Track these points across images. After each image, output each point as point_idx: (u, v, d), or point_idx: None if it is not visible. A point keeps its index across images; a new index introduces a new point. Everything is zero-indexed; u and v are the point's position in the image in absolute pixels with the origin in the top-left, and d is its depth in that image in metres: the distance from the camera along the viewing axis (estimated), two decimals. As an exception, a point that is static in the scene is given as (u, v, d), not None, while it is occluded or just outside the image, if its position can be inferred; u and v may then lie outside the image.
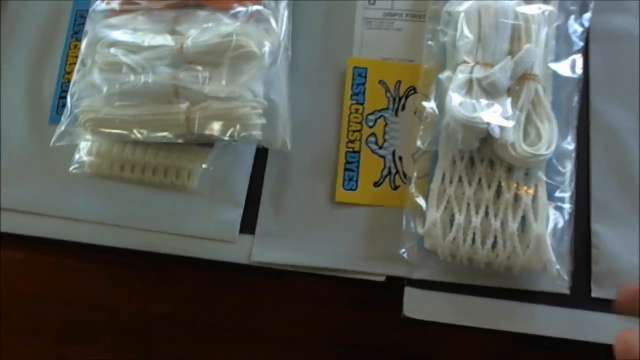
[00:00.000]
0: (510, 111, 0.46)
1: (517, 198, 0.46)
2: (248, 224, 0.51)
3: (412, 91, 0.53)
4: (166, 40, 0.49)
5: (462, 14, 0.49)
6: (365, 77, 0.53)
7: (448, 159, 0.48)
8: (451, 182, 0.47)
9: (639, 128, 0.52)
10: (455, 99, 0.46)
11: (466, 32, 0.49)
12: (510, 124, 0.45)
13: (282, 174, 0.52)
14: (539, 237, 0.45)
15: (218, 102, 0.47)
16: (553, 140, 0.46)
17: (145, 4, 0.51)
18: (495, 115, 0.46)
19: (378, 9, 0.56)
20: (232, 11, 0.50)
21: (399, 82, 0.53)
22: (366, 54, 0.55)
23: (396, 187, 0.51)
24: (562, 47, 0.51)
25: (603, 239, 0.48)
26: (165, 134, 0.47)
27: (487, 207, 0.46)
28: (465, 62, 0.48)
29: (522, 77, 0.48)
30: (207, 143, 0.50)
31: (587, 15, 0.53)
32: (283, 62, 0.50)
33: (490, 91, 0.47)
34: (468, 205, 0.47)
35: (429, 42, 0.53)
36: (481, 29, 0.48)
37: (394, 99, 0.53)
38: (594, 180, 0.50)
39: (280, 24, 0.51)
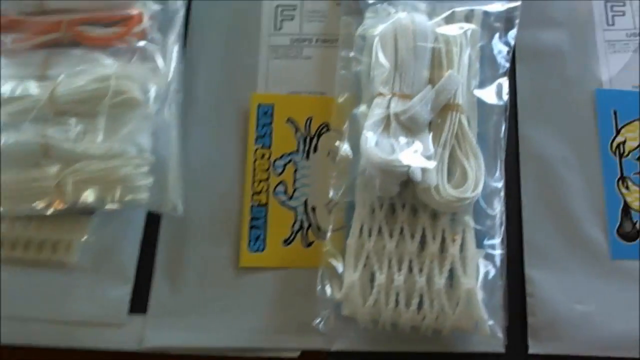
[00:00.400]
0: (432, 149, 0.41)
1: (443, 249, 0.42)
2: (139, 302, 0.44)
3: (325, 129, 0.47)
4: (32, 88, 0.41)
5: (377, 39, 0.44)
6: (271, 115, 0.47)
7: (366, 208, 0.43)
8: (370, 234, 0.42)
9: (571, 155, 0.47)
10: (371, 139, 0.40)
11: (381, 59, 0.43)
12: (432, 164, 0.41)
13: (178, 239, 0.45)
14: (469, 292, 0.40)
15: (95, 162, 0.40)
16: (480, 179, 0.42)
17: (9, 42, 0.44)
18: (416, 155, 0.41)
19: (285, 35, 0.50)
20: (112, 49, 0.43)
21: (310, 119, 0.47)
22: (273, 88, 0.49)
23: (309, 244, 0.45)
24: (486, 70, 0.47)
25: (538, 285, 0.44)
26: (32, 205, 0.40)
27: (410, 261, 0.42)
28: (381, 94, 0.42)
29: (444, 108, 0.42)
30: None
31: (513, 33, 0.48)
32: (173, 107, 0.44)
33: (410, 127, 0.42)
34: (390, 261, 0.42)
35: (342, 72, 0.47)
36: (398, 55, 0.43)
37: (305, 140, 0.47)
38: (526, 219, 0.46)
39: (169, 61, 0.44)
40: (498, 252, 0.43)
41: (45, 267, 0.43)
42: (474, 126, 0.44)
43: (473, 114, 0.44)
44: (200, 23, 0.50)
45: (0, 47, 0.44)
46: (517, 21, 0.48)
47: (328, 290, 0.42)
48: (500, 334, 0.41)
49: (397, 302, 0.40)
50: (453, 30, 0.44)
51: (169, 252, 0.45)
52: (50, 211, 0.40)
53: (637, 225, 0.45)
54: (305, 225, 0.45)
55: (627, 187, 0.46)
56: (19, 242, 0.43)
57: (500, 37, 0.47)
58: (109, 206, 0.40)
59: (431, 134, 0.42)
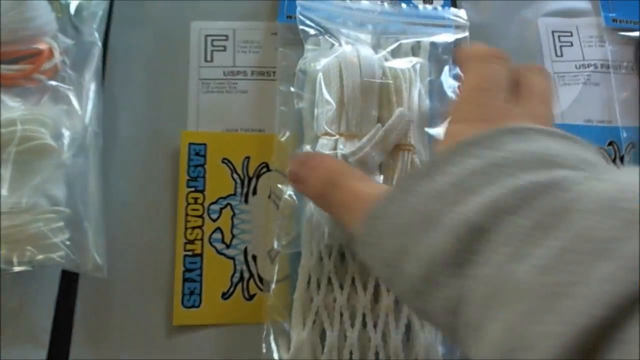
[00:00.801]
0: None
1: (398, 300, 0.38)
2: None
3: (265, 169, 0.43)
4: None
5: (320, 74, 0.40)
6: (204, 155, 0.42)
7: (313, 257, 0.39)
8: (319, 287, 0.38)
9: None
10: None
11: (326, 96, 0.40)
12: None
13: (101, 296, 0.40)
14: (428, 347, 0.38)
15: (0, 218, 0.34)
16: None
17: None
18: None
19: (217, 67, 0.46)
20: (18, 89, 0.38)
21: (248, 158, 0.43)
22: (206, 125, 0.44)
23: (251, 297, 0.41)
24: (437, 106, 0.44)
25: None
26: None
27: (364, 315, 0.38)
28: (327, 134, 0.39)
29: (395, 148, 0.40)
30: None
31: None
32: (92, 152, 0.38)
33: (360, 169, 0.38)
34: (341, 315, 0.38)
35: (282, 108, 0.43)
36: (344, 92, 0.39)
37: (243, 181, 0.42)
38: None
39: (86, 100, 0.39)
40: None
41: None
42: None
43: (425, 153, 0.41)
44: (120, 54, 0.45)
45: None
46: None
47: (274, 350, 0.38)
48: None
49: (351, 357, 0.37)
50: (401, 64, 0.42)
51: (90, 310, 0.39)
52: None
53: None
54: (246, 276, 0.41)
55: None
56: None
57: (449, 70, 0.44)
58: (18, 268, 0.34)
59: (382, 176, 0.39)
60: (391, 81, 0.40)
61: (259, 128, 0.45)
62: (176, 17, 0.47)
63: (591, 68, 0.49)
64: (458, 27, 0.45)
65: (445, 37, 0.44)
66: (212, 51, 0.46)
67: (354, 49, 0.41)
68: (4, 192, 0.35)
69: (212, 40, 0.46)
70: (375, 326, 0.38)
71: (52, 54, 0.39)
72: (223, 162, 0.42)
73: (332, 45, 0.43)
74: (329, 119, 0.39)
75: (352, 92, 0.39)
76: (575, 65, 0.49)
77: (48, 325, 0.39)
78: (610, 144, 0.47)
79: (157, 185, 0.42)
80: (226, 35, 0.47)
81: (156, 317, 0.40)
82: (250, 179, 0.42)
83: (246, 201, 0.42)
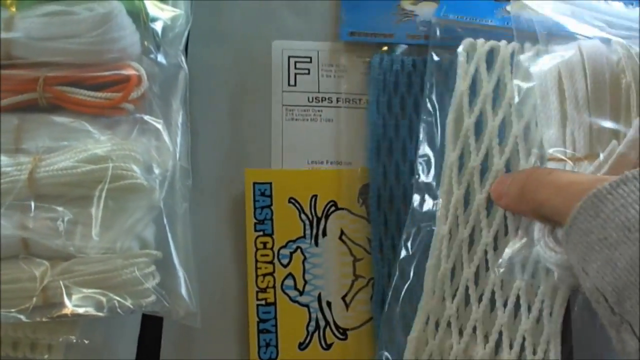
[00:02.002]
0: None
1: (521, 358, 0.35)
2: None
3: (333, 207, 0.41)
4: (6, 165, 0.33)
5: (536, 86, 0.35)
6: (270, 195, 0.40)
7: (435, 297, 0.36)
8: (437, 328, 0.36)
9: None
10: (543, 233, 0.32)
11: (544, 111, 0.35)
12: None
13: (185, 337, 0.38)
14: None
15: (90, 261, 0.32)
16: None
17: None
18: None
19: (301, 92, 0.43)
20: (104, 118, 0.35)
21: (315, 196, 0.41)
22: (290, 157, 0.42)
23: (329, 346, 0.39)
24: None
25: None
26: (10, 311, 0.32)
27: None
28: (552, 158, 0.34)
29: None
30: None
31: None
32: (180, 192, 0.36)
33: None
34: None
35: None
36: (567, 104, 0.34)
37: (312, 222, 0.40)
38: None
39: (175, 133, 0.37)
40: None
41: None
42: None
43: None
44: (199, 76, 0.42)
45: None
46: None
47: None
48: None
49: None
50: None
51: (175, 353, 0.38)
52: (32, 319, 0.32)
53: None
54: (322, 324, 0.39)
55: None
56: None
57: None
58: (108, 314, 0.32)
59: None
60: (631, 79, 0.33)
61: (348, 161, 0.42)
62: (257, 35, 0.44)
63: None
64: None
65: None
66: (295, 74, 0.43)
67: (577, 46, 0.34)
68: (95, 235, 0.32)
69: (296, 62, 0.44)
70: None
71: (141, 81, 0.36)
72: (290, 201, 0.40)
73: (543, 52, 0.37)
74: (552, 141, 0.34)
75: (580, 104, 0.33)
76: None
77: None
78: None
79: (231, 227, 0.40)
80: (310, 57, 0.44)
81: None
82: (319, 219, 0.40)
83: (316, 244, 0.40)
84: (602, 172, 0.32)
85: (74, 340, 0.36)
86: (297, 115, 0.43)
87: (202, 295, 0.37)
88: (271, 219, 0.40)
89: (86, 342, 0.36)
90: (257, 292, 0.39)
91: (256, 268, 0.39)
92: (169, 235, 0.35)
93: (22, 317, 0.32)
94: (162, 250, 0.35)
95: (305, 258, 0.40)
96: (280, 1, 0.45)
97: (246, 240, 0.39)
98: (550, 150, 0.34)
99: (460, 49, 0.39)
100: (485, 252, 0.36)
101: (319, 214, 0.41)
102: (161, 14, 0.39)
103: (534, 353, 0.35)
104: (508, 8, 0.42)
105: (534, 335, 0.35)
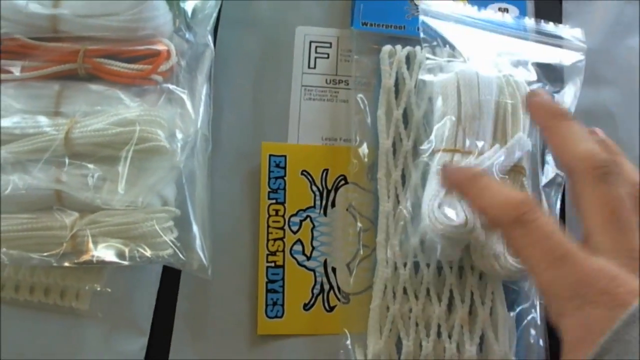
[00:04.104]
0: None
1: (472, 311, 0.39)
2: (156, 358, 0.40)
3: (343, 181, 0.43)
4: (44, 126, 0.37)
5: (438, 89, 0.40)
6: (284, 167, 0.43)
7: (389, 267, 0.40)
8: (394, 296, 0.39)
9: None
10: (434, 203, 0.37)
11: (443, 111, 0.40)
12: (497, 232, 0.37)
13: (199, 295, 0.41)
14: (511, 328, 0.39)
15: (115, 214, 0.36)
16: None
17: (18, 71, 0.39)
18: (480, 217, 0.37)
19: (319, 74, 0.46)
20: (135, 88, 0.39)
21: (327, 170, 0.44)
22: (306, 133, 0.45)
23: (331, 308, 0.42)
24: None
25: None
26: (42, 255, 0.35)
27: (439, 326, 0.39)
28: (445, 149, 0.39)
29: (508, 171, 0.39)
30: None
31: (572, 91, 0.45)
32: (200, 157, 0.39)
33: None
34: (417, 325, 0.39)
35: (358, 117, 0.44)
36: (461, 109, 0.39)
37: (322, 194, 0.43)
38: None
39: (199, 104, 0.40)
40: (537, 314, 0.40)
41: (53, 313, 0.39)
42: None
43: (534, 176, 0.42)
44: (227, 56, 0.46)
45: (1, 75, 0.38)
46: (580, 77, 0.45)
47: (353, 358, 0.39)
48: None
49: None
50: (520, 83, 0.41)
51: (190, 306, 0.41)
52: (62, 263, 0.36)
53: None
54: (326, 288, 0.42)
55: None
56: (23, 285, 0.39)
57: (563, 95, 0.44)
58: (128, 262, 0.35)
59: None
60: (509, 101, 0.40)
61: (360, 139, 0.44)
62: (282, 21, 0.47)
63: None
64: (574, 49, 0.44)
65: (562, 58, 0.44)
66: (315, 58, 0.46)
67: (474, 67, 0.40)
68: (121, 189, 0.35)
69: (316, 47, 0.47)
70: (449, 337, 0.39)
71: (170, 56, 0.39)
72: (302, 174, 0.43)
73: (450, 56, 0.42)
74: (447, 135, 0.39)
75: (470, 110, 0.39)
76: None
77: (150, 315, 0.40)
78: None
79: (247, 194, 0.43)
80: (330, 43, 0.47)
81: (244, 324, 0.41)
82: (329, 192, 0.43)
83: (325, 214, 0.43)
84: (485, 166, 0.37)
85: (99, 289, 0.39)
86: (314, 96, 0.46)
87: (217, 253, 0.40)
88: (284, 189, 0.43)
89: (109, 290, 0.39)
90: (268, 254, 0.42)
91: (268, 233, 0.42)
92: (188, 195, 0.38)
93: (52, 260, 0.36)
94: (181, 208, 0.38)
95: (314, 226, 0.43)
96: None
97: (260, 207, 0.42)
98: (444, 144, 0.39)
99: (381, 54, 0.44)
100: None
101: (329, 187, 0.43)
102: (193, -3, 0.43)
103: (483, 304, 0.39)
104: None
105: (480, 288, 0.39)
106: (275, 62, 0.46)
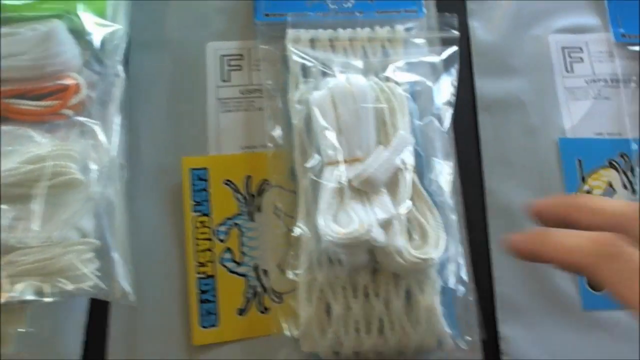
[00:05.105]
0: (392, 210, 0.39)
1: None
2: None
3: (267, 185, 0.45)
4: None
5: (315, 108, 0.42)
6: (206, 179, 0.44)
7: (313, 239, 0.41)
8: (320, 265, 0.40)
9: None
10: (327, 217, 0.39)
11: (324, 126, 0.41)
12: (396, 227, 0.39)
13: (132, 315, 0.42)
14: (428, 309, 0.40)
15: (31, 252, 0.36)
16: (441, 237, 0.40)
17: None
18: (376, 218, 0.39)
19: (234, 86, 0.48)
20: (46, 124, 0.39)
21: (249, 177, 0.45)
22: (226, 145, 0.46)
23: (266, 310, 0.43)
24: (433, 125, 0.45)
25: (512, 343, 0.43)
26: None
27: (365, 287, 0.40)
28: (330, 163, 0.41)
29: (396, 169, 0.41)
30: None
31: (454, 81, 0.47)
32: (118, 185, 0.40)
33: (366, 190, 0.40)
34: (344, 289, 0.40)
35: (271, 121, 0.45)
36: (340, 121, 0.41)
37: (246, 200, 0.44)
38: (497, 275, 0.45)
39: (111, 133, 0.41)
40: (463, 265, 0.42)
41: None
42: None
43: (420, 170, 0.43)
44: (140, 81, 0.47)
45: None
46: (455, 66, 0.46)
47: (285, 329, 0.40)
48: (464, 346, 0.40)
49: (357, 330, 0.39)
50: (394, 87, 0.43)
51: (123, 330, 0.42)
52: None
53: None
54: (259, 290, 0.43)
55: (595, 236, 0.45)
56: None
57: (440, 89, 0.46)
58: (49, 299, 0.36)
59: (388, 197, 0.40)
60: (385, 105, 0.42)
61: (279, 144, 0.45)
62: (192, 39, 0.48)
63: (601, 83, 0.49)
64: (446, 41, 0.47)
65: (434, 57, 0.46)
66: (228, 71, 0.47)
67: (345, 77, 0.42)
68: (36, 227, 0.36)
69: (229, 60, 0.48)
70: (377, 295, 0.40)
71: (79, 89, 0.40)
72: (225, 183, 0.44)
73: (324, 73, 0.44)
74: (332, 149, 0.41)
75: (349, 119, 0.41)
76: (586, 81, 0.50)
77: (78, 350, 0.41)
78: (621, 155, 0.48)
79: (172, 210, 0.44)
80: (241, 55, 0.48)
81: (178, 338, 0.42)
82: (254, 197, 0.44)
83: (252, 219, 0.44)
84: (372, 169, 0.39)
85: (23, 330, 0.39)
86: (231, 107, 0.47)
87: (146, 274, 0.42)
88: (208, 200, 0.44)
89: (34, 330, 0.39)
90: (197, 266, 0.43)
91: (195, 245, 0.43)
92: (106, 224, 0.39)
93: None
94: (101, 238, 0.39)
95: (242, 232, 0.44)
96: (212, 6, 0.50)
97: (185, 221, 0.43)
98: (328, 157, 0.40)
99: (286, 40, 0.45)
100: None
101: (254, 192, 0.45)
102: (100, 30, 0.43)
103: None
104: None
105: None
106: (189, 79, 0.47)
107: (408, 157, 0.41)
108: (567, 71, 0.50)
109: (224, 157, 0.45)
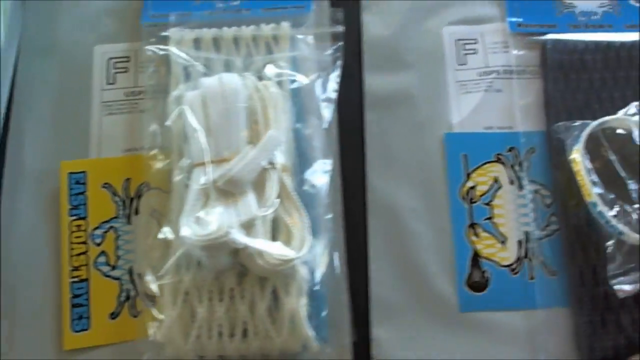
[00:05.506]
0: (254, 211, 0.39)
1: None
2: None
3: (146, 188, 0.44)
4: None
5: (185, 109, 0.42)
6: (84, 183, 0.44)
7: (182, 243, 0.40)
8: (188, 268, 0.40)
9: (420, 205, 0.45)
10: (189, 219, 0.39)
11: (194, 127, 0.41)
12: (258, 228, 0.39)
13: (4, 324, 0.43)
14: (292, 312, 0.39)
15: None
16: (306, 238, 0.40)
17: None
18: (238, 220, 0.39)
19: (119, 89, 0.47)
20: None
21: (129, 180, 0.45)
22: (108, 148, 0.46)
23: (139, 313, 0.42)
24: (312, 122, 0.45)
25: (385, 345, 0.42)
26: None
27: (232, 290, 0.40)
28: (198, 165, 0.40)
29: (265, 168, 0.41)
30: None
31: (335, 77, 0.46)
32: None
33: (231, 191, 0.40)
34: (210, 292, 0.40)
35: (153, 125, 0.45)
36: (209, 122, 0.41)
37: (124, 203, 0.44)
38: (373, 276, 0.44)
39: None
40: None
41: None
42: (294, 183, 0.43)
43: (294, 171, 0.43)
44: (28, 86, 0.48)
45: None
46: (339, 62, 0.46)
47: (151, 333, 0.40)
48: (331, 349, 0.40)
49: (220, 334, 0.39)
50: (269, 85, 0.43)
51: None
52: None
53: (486, 274, 0.43)
54: (132, 294, 0.43)
55: (476, 235, 0.44)
56: None
57: (323, 86, 0.46)
58: None
59: (253, 198, 0.40)
60: (258, 104, 0.42)
61: (162, 145, 0.45)
62: (82, 43, 0.49)
63: (493, 75, 0.48)
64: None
65: (317, 53, 0.46)
66: (114, 73, 0.48)
67: (217, 78, 0.42)
68: None
69: (115, 63, 0.48)
70: (242, 298, 0.40)
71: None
72: (104, 187, 0.44)
73: (205, 74, 0.44)
74: (199, 150, 0.40)
75: (217, 120, 0.41)
76: (478, 73, 0.49)
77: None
78: (510, 149, 0.46)
79: (49, 215, 0.44)
80: (128, 57, 0.48)
81: (50, 343, 0.42)
82: (132, 200, 0.44)
83: (129, 222, 0.44)
84: (236, 169, 0.39)
85: None
86: (114, 110, 0.47)
87: (21, 282, 0.43)
88: (85, 204, 0.44)
89: None
90: (71, 270, 0.43)
91: (70, 249, 0.43)
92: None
93: None
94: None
95: (118, 236, 0.44)
96: (102, 8, 0.50)
97: (61, 225, 0.44)
98: (196, 159, 0.40)
99: (170, 40, 0.46)
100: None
101: (132, 195, 0.45)
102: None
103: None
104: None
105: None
106: (76, 83, 0.48)
107: (279, 157, 0.41)
108: (460, 64, 0.49)
109: (103, 161, 0.46)
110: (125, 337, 0.42)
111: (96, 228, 0.44)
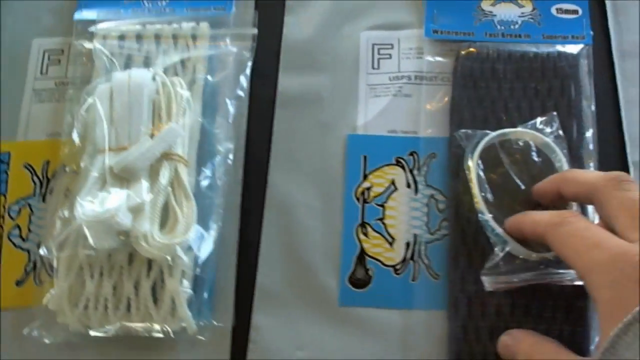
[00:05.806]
0: (144, 197, 0.42)
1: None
2: None
3: (63, 170, 0.47)
4: None
5: (94, 99, 0.45)
6: (7, 163, 0.49)
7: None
8: (85, 245, 0.43)
9: (316, 202, 0.47)
10: (84, 200, 0.42)
11: (99, 117, 0.44)
12: (146, 212, 0.42)
13: None
14: (172, 293, 0.42)
15: None
16: (190, 224, 0.43)
17: None
18: (127, 204, 0.41)
19: (51, 79, 0.51)
20: None
21: (48, 162, 0.49)
22: (37, 132, 0.50)
23: (41, 282, 0.46)
24: (221, 120, 0.48)
25: (263, 332, 0.44)
26: None
27: (121, 267, 0.43)
28: (100, 150, 0.44)
29: (162, 158, 0.44)
30: None
31: (245, 78, 0.49)
32: None
33: (126, 177, 0.43)
34: (102, 268, 0.43)
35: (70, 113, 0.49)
36: (113, 112, 0.44)
37: (42, 183, 0.48)
38: (261, 267, 0.46)
39: None
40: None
41: None
42: (193, 174, 0.46)
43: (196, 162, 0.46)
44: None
45: None
46: (249, 63, 0.49)
47: (44, 300, 0.43)
48: (209, 331, 0.43)
49: (106, 307, 0.42)
50: (176, 82, 0.46)
51: None
52: None
53: (370, 272, 0.44)
54: (39, 265, 0.46)
55: (365, 234, 0.45)
56: None
57: (232, 84, 0.48)
58: None
59: (146, 184, 0.43)
60: (164, 99, 0.45)
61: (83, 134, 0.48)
62: (22, 37, 0.53)
63: (404, 80, 0.49)
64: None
65: (228, 51, 0.49)
66: (47, 65, 0.51)
67: (127, 72, 0.46)
68: None
69: (49, 55, 0.52)
70: (130, 276, 0.43)
71: None
72: (25, 167, 0.48)
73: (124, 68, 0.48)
74: (102, 137, 0.44)
75: (120, 111, 0.44)
76: (389, 77, 0.50)
77: None
78: (411, 154, 0.47)
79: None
80: (62, 50, 0.52)
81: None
82: (48, 180, 0.48)
83: (44, 200, 0.48)
84: (131, 157, 0.42)
85: None
86: (44, 98, 0.51)
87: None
88: (6, 182, 0.48)
89: None
90: (-14, 241, 0.47)
91: (-14, 223, 0.47)
92: None
93: None
94: None
95: (32, 212, 0.48)
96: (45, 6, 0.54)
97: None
98: (98, 146, 0.44)
99: (96, 36, 0.49)
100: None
101: (49, 176, 0.48)
102: None
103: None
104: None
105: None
106: (12, 74, 0.52)
107: (178, 148, 0.44)
108: (373, 68, 0.50)
109: (28, 143, 0.50)
110: (27, 303, 0.45)
111: (14, 204, 0.48)
